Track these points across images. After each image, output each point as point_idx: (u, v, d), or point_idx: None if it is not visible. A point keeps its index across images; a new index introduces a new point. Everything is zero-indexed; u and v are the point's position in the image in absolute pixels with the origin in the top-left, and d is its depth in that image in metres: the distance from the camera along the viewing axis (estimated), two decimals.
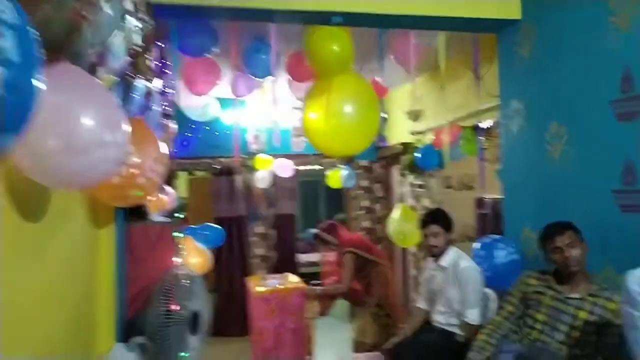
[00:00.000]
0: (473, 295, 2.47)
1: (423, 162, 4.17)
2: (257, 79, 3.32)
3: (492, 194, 3.38)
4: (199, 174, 5.89)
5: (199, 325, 2.17)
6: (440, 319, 2.61)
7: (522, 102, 2.72)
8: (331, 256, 4.01)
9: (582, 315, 1.99)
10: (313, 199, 8.92)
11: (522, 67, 2.72)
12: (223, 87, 3.61)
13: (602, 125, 2.12)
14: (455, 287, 2.52)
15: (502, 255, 2.64)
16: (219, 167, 5.33)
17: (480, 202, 3.40)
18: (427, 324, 2.71)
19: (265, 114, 4.59)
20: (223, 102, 4.29)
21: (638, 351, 1.63)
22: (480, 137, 3.47)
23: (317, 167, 5.83)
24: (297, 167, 5.41)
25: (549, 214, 2.43)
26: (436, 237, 2.57)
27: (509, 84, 2.89)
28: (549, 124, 2.48)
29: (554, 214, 2.37)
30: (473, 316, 2.46)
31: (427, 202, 4.64)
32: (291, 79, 3.30)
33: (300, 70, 3.02)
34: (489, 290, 2.72)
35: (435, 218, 2.62)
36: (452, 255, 2.58)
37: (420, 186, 4.78)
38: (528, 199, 2.68)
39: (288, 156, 5.22)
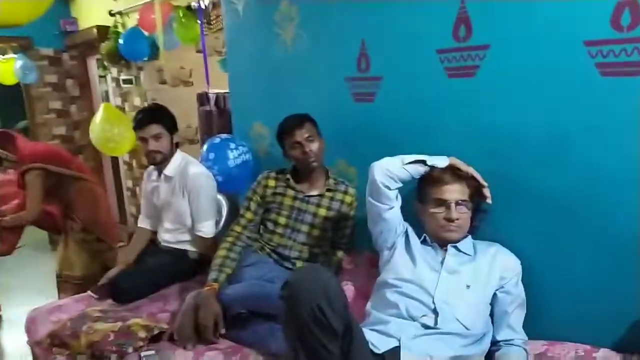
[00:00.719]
0: (206, 205, 2.12)
1: (128, 51, 3.41)
2: None
3: (216, 89, 2.99)
4: None
5: None
6: (168, 237, 2.19)
7: None
8: (9, 175, 3.00)
9: (322, 212, 1.89)
10: None
11: None
12: None
13: (339, 6, 1.90)
14: (185, 198, 2.10)
15: (233, 155, 2.34)
16: None
17: (202, 98, 2.97)
18: (153, 245, 2.26)
19: None
20: None
21: (382, 242, 1.60)
22: (200, 20, 2.94)
23: None
24: None
25: (282, 106, 2.20)
26: (158, 140, 2.04)
27: None
28: (279, 2, 2.16)
29: (287, 106, 2.14)
30: (207, 229, 2.13)
31: (137, 101, 3.93)
32: None
33: None
34: (219, 197, 2.42)
35: (155, 116, 2.06)
36: (178, 162, 2.12)
37: (127, 81, 4.00)
38: (258, 91, 2.39)
39: None
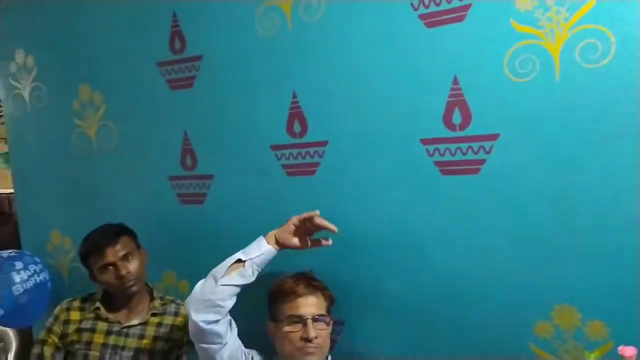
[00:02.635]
0: None
1: None
2: None
3: None
4: None
5: None
6: None
7: (33, 55, 1.90)
8: None
9: (146, 344, 1.50)
10: None
11: (26, 3, 1.89)
12: None
13: (159, 94, 1.63)
14: None
15: (21, 278, 1.79)
16: None
17: None
18: None
19: None
20: None
21: None
22: None
23: None
24: None
25: (88, 211, 1.82)
26: None
27: (8, 26, 1.97)
28: (78, 88, 1.80)
29: (95, 211, 1.78)
30: None
31: None
32: None
33: None
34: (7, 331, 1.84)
35: None
36: None
37: None
38: (55, 192, 1.92)
39: None
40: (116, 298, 1.51)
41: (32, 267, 1.84)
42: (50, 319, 1.51)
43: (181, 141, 1.62)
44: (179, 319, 1.56)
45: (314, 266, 1.39)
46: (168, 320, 1.55)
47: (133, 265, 1.47)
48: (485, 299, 1.22)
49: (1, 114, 2.40)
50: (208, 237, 1.61)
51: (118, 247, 1.46)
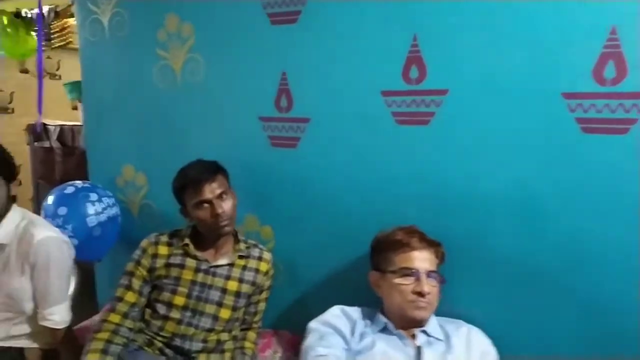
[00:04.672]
0: (58, 283, 1.49)
1: None
2: None
3: (59, 119, 2.31)
4: None
5: None
6: None
7: None
8: None
9: (232, 286, 1.46)
10: None
11: None
12: None
13: (258, 28, 1.53)
14: (26, 274, 1.45)
15: (95, 210, 1.75)
16: None
17: (37, 131, 2.26)
18: None
19: None
20: None
21: None
22: (39, 33, 2.25)
23: None
24: None
25: (167, 146, 1.76)
26: None
27: None
28: (164, 17, 1.71)
29: (174, 146, 1.74)
30: (60, 316, 1.50)
31: None
32: None
33: None
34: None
35: None
36: (15, 223, 1.45)
37: None
38: (130, 126, 1.86)
39: None
40: (204, 237, 1.47)
41: (105, 200, 1.80)
42: (138, 252, 1.47)
43: (278, 80, 1.54)
44: (263, 263, 1.53)
45: (420, 221, 1.33)
46: (252, 263, 1.51)
47: (227, 205, 1.42)
48: (610, 269, 1.16)
49: (63, 43, 2.30)
50: (298, 184, 1.55)
51: (215, 184, 1.40)
